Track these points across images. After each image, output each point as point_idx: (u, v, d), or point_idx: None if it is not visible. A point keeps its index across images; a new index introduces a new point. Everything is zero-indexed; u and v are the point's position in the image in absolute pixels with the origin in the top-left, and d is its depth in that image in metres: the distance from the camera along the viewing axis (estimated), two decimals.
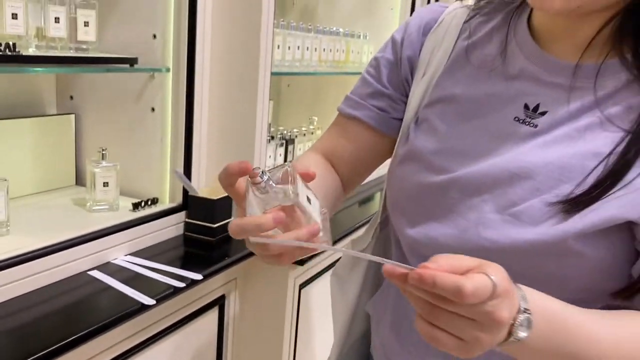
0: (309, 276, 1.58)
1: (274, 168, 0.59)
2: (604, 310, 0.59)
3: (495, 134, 0.67)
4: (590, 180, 0.59)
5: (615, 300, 0.62)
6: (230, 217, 1.47)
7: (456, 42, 0.76)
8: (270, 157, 1.85)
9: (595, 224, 0.58)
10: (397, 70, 0.81)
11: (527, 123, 0.66)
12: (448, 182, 0.68)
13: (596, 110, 0.62)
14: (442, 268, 0.47)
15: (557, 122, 0.64)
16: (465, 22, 0.78)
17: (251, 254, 1.43)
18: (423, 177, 0.71)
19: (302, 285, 1.56)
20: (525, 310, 0.51)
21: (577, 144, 0.62)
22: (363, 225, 1.66)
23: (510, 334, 0.50)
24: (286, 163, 0.62)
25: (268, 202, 0.56)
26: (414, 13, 0.84)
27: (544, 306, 0.54)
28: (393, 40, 0.82)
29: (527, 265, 0.62)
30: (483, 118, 0.69)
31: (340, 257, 0.96)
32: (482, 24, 0.76)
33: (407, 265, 0.49)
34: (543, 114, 0.65)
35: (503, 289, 0.48)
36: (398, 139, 0.80)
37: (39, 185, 1.50)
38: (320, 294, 1.65)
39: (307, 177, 0.60)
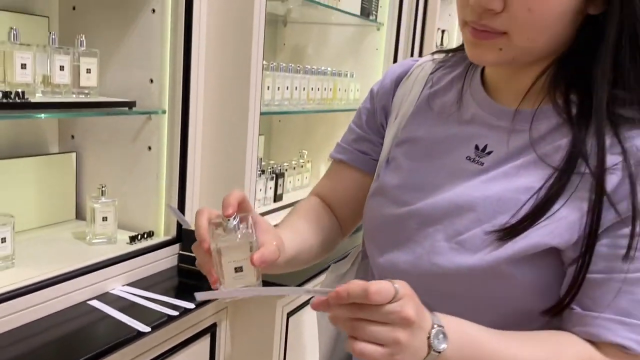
0: (296, 305, 1.66)
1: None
2: (515, 332, 0.67)
3: (449, 171, 0.77)
4: (523, 212, 0.67)
5: (545, 318, 0.70)
6: None
7: (422, 91, 0.87)
8: (260, 190, 1.94)
9: (524, 250, 0.67)
10: (374, 117, 0.92)
11: (475, 161, 0.75)
12: (408, 213, 0.77)
13: (531, 150, 0.70)
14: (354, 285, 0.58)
15: (499, 160, 0.73)
16: (431, 73, 0.88)
17: None
18: (388, 210, 0.80)
19: (290, 314, 1.63)
20: (438, 326, 0.60)
21: (513, 180, 0.70)
22: None
23: (430, 347, 0.59)
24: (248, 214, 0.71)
25: (226, 244, 0.67)
26: (389, 67, 0.96)
27: (457, 324, 0.63)
28: (371, 91, 0.94)
29: (470, 288, 0.70)
30: (441, 157, 0.79)
31: (323, 279, 1.04)
32: (444, 75, 0.86)
33: (327, 289, 0.59)
34: (489, 153, 0.74)
35: (404, 292, 0.58)
36: (374, 177, 0.90)
37: (41, 219, 1.59)
38: (308, 322, 1.73)
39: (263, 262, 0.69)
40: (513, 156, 0.72)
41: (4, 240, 1.25)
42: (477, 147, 0.76)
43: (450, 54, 0.89)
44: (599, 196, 0.64)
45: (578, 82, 0.69)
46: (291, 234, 0.85)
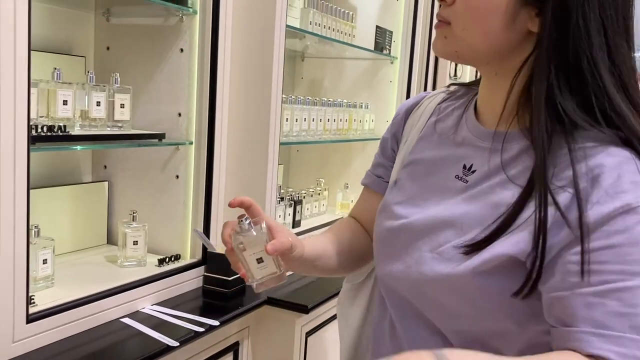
0: (315, 324, 1.74)
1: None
2: (522, 357, 0.68)
3: (441, 188, 0.84)
4: (493, 226, 0.74)
5: (517, 298, 0.72)
6: None
7: (429, 119, 0.96)
8: (280, 216, 2.04)
9: (488, 260, 0.72)
10: (388, 144, 1.02)
11: (462, 179, 0.82)
12: (401, 226, 0.85)
13: (502, 171, 0.77)
14: None
15: (480, 178, 0.80)
16: (439, 104, 0.98)
17: (261, 305, 1.60)
18: (387, 223, 0.89)
19: (309, 333, 1.71)
20: None
21: (488, 197, 0.77)
22: None
23: None
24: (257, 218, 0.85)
25: (243, 240, 0.82)
26: (404, 100, 1.06)
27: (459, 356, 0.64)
28: (391, 122, 1.05)
29: (451, 293, 0.77)
30: (435, 176, 0.87)
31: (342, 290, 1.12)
32: (450, 105, 0.96)
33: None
34: (474, 172, 0.82)
35: None
36: None
37: (75, 244, 1.70)
38: (327, 340, 1.80)
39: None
40: (491, 175, 0.79)
41: (45, 261, 1.36)
42: (464, 167, 0.83)
43: (457, 87, 0.98)
44: (543, 209, 0.69)
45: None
46: (313, 239, 0.98)
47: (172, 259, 1.60)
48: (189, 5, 1.58)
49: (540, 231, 0.69)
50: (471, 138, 0.85)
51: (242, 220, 0.82)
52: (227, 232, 0.84)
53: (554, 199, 0.69)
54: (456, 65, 3.22)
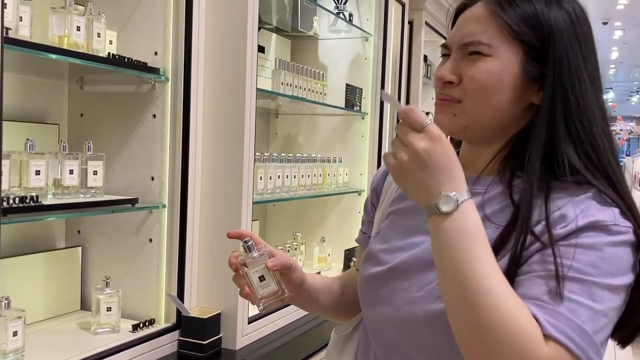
0: None
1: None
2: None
3: (421, 230, 0.87)
4: None
5: None
6: (219, 334, 1.66)
7: None
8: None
9: None
10: (369, 200, 1.07)
11: None
12: (387, 271, 0.89)
13: (480, 211, 0.80)
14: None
15: None
16: None
17: None
18: (372, 270, 0.92)
19: None
20: (457, 200, 0.71)
21: None
22: None
23: (436, 204, 0.71)
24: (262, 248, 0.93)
25: (246, 259, 0.89)
26: (376, 154, 1.12)
27: (474, 212, 0.72)
28: (373, 178, 1.10)
29: (442, 332, 0.77)
30: (416, 219, 0.90)
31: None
32: None
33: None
34: None
35: (432, 132, 0.70)
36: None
37: (48, 311, 1.68)
38: None
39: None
40: None
41: (15, 333, 1.34)
42: None
43: None
44: (523, 237, 0.76)
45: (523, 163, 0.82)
46: (318, 275, 1.04)
47: (147, 323, 1.59)
48: (160, 73, 1.62)
49: (516, 253, 0.75)
50: None
51: (245, 242, 0.90)
52: (234, 255, 0.91)
53: (532, 231, 0.76)
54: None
